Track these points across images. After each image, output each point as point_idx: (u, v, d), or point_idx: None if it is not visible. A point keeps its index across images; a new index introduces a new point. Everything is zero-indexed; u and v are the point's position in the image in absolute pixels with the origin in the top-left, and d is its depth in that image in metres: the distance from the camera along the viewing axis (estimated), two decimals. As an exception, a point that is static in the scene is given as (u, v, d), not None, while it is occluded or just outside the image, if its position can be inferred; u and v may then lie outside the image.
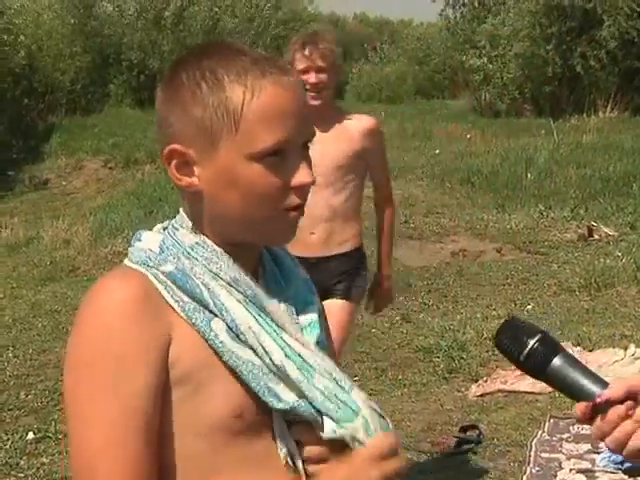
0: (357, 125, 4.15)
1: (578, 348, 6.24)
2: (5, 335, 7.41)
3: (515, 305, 7.61)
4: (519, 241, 9.76)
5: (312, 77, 3.99)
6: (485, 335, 6.66)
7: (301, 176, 1.45)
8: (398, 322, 7.31)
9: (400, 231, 10.09)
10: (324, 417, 1.42)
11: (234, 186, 1.42)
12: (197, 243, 1.46)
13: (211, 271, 1.44)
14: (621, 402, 1.37)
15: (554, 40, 21.26)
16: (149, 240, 1.49)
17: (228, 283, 1.44)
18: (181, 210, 1.52)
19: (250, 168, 1.41)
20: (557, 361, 1.43)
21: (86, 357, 1.36)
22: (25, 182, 15.96)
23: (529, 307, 7.55)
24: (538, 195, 11.87)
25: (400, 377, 6.05)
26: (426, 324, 7.17)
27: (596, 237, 9.70)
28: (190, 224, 1.49)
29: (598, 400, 1.37)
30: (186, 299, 1.41)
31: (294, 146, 1.44)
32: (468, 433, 5.06)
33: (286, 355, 1.42)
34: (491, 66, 22.88)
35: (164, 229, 1.52)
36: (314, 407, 1.42)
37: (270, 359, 1.41)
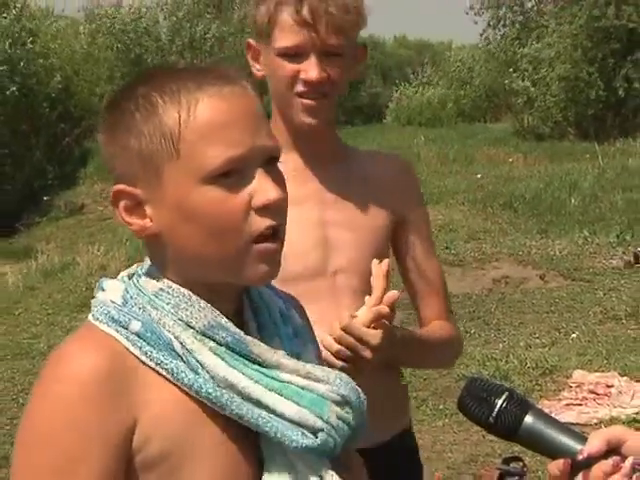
0: (387, 172, 2.25)
1: (625, 378, 6.19)
2: (41, 362, 7.45)
3: (559, 333, 7.56)
4: (563, 268, 9.69)
5: (312, 68, 2.01)
6: (529, 364, 6.62)
7: (264, 193, 1.29)
8: (439, 350, 7.27)
9: (441, 257, 10.05)
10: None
11: (190, 219, 1.28)
12: (161, 289, 1.33)
13: (181, 320, 1.30)
14: (602, 456, 1.30)
15: (597, 63, 21.19)
16: (111, 290, 1.37)
17: (202, 332, 1.30)
18: (145, 256, 1.41)
19: (203, 194, 1.27)
20: (529, 418, 1.37)
21: (36, 438, 1.26)
22: (61, 208, 16.09)
23: (573, 336, 7.49)
24: (583, 220, 11.79)
25: (441, 407, 6.02)
26: (468, 352, 7.12)
27: (643, 264, 9.63)
28: (153, 270, 1.36)
29: (580, 457, 1.31)
30: (165, 356, 1.28)
31: (251, 162, 1.29)
32: (512, 465, 5.01)
33: (290, 399, 1.30)
34: (534, 89, 22.82)
35: (130, 276, 1.40)
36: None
37: (269, 410, 1.29)
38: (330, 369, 1.40)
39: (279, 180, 1.32)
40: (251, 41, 2.12)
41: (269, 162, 1.32)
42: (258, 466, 1.31)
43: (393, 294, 1.90)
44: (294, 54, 2.01)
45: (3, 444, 5.71)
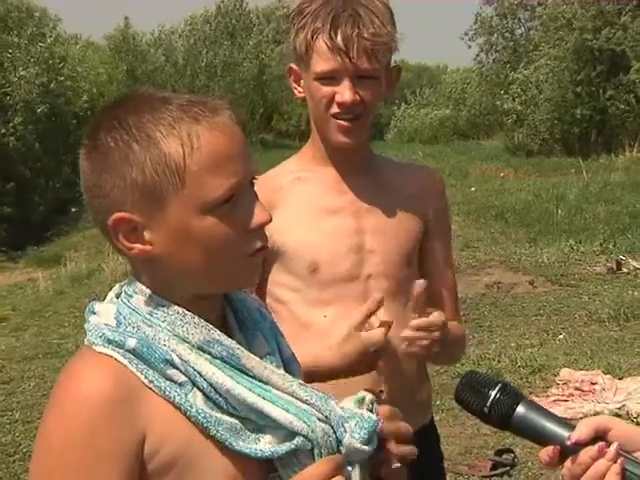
0: (417, 181, 2.23)
1: (608, 376, 6.18)
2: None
3: (547, 335, 7.55)
4: (551, 274, 9.68)
5: (345, 91, 2.00)
6: (519, 363, 6.62)
7: (259, 217, 1.30)
8: (436, 350, 7.27)
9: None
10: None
11: (193, 242, 1.27)
12: (156, 308, 1.30)
13: (177, 335, 1.28)
14: (589, 443, 1.30)
15: (582, 84, 21.19)
16: (103, 312, 1.34)
17: (198, 346, 1.28)
18: (131, 276, 1.36)
19: (205, 221, 1.26)
20: (521, 409, 1.37)
21: (53, 463, 1.24)
22: (88, 218, 16.04)
23: (560, 337, 7.48)
24: (569, 230, 11.80)
25: (438, 402, 6.02)
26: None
27: (624, 270, 9.61)
28: (145, 290, 1.32)
29: (569, 442, 1.31)
30: (158, 376, 1.26)
31: (244, 186, 1.29)
32: (503, 456, 5.03)
33: (281, 407, 1.29)
34: (522, 109, 22.83)
35: (117, 296, 1.36)
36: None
37: (263, 415, 1.28)
38: (313, 390, 1.36)
39: (258, 200, 1.33)
40: (293, 66, 2.12)
41: (250, 183, 1.32)
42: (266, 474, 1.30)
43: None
44: (330, 78, 2.00)
45: (34, 437, 5.73)
